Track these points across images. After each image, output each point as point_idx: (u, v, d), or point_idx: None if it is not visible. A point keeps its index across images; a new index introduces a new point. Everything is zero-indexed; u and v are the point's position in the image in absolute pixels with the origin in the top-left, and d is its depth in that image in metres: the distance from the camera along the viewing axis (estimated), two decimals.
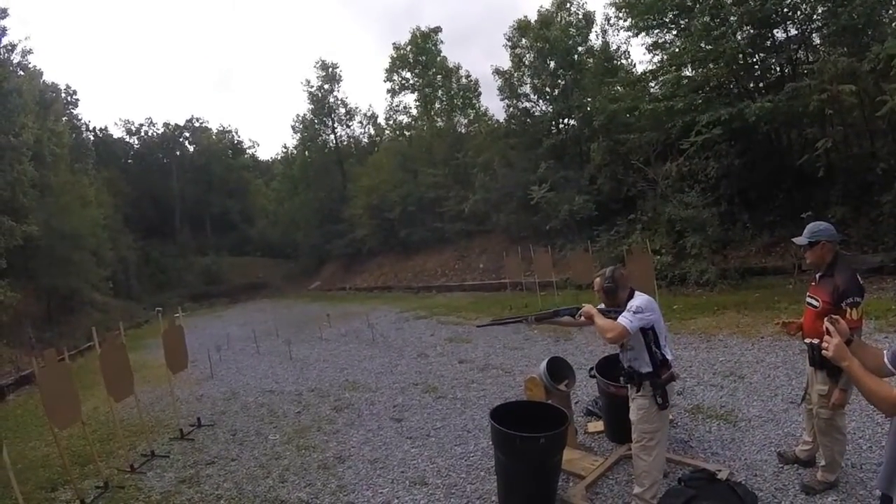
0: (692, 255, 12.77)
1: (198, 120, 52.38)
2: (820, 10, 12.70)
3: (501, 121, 25.25)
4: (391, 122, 36.15)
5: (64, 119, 32.09)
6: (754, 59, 13.97)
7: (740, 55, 13.61)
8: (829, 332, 2.29)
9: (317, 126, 40.69)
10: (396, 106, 34.91)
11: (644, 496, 3.80)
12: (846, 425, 4.10)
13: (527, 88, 22.39)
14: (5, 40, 21.54)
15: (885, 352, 2.40)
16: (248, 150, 58.95)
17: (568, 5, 21.58)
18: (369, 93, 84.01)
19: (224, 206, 49.26)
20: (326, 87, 40.23)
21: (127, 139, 50.31)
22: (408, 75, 33.30)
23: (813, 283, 3.93)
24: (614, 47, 20.74)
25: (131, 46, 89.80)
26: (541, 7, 22.04)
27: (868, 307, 8.16)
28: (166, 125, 50.79)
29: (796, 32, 13.28)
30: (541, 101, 22.12)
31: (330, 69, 39.93)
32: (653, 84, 16.54)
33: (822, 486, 3.86)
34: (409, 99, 34.83)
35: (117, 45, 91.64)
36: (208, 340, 14.55)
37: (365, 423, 6.93)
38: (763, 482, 4.12)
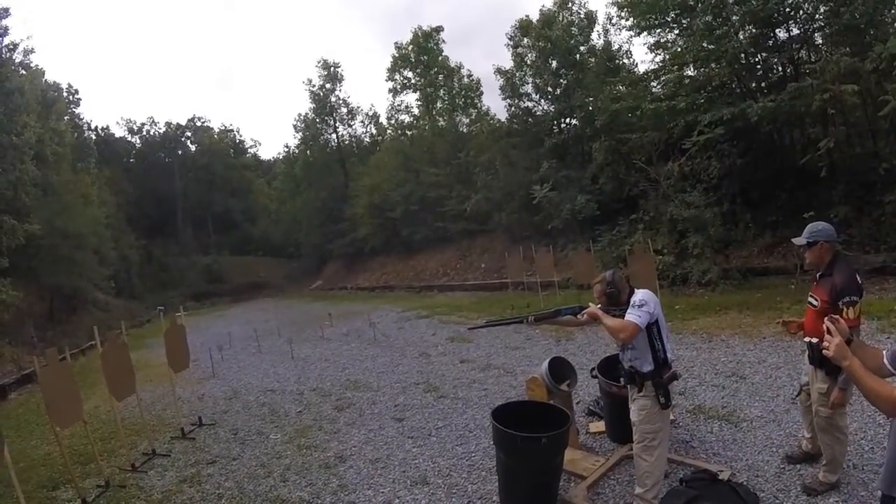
0: (694, 255, 12.74)
1: (200, 119, 52.56)
2: (822, 10, 12.64)
3: (503, 120, 25.21)
4: (393, 122, 36.27)
5: (66, 118, 32.13)
6: (756, 59, 13.92)
7: (742, 55, 13.56)
8: (829, 332, 2.28)
9: (319, 125, 40.75)
10: (398, 105, 35.01)
11: (646, 496, 3.79)
12: (847, 425, 4.09)
13: (528, 88, 22.36)
14: (7, 40, 21.53)
15: (884, 352, 2.39)
16: (250, 150, 59.19)
17: (570, 5, 21.53)
18: (371, 92, 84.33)
19: (226, 206, 49.32)
20: (328, 86, 40.35)
21: (129, 138, 50.49)
22: (409, 75, 33.36)
23: (814, 283, 3.96)
24: (616, 47, 20.75)
25: (133, 45, 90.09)
26: (543, 6, 21.99)
27: (870, 307, 8.18)
28: (168, 124, 50.96)
29: (798, 32, 13.22)
30: (542, 100, 22.08)
31: (332, 68, 40.03)
32: (655, 83, 16.51)
33: (824, 486, 3.85)
34: (411, 98, 34.87)
35: (119, 44, 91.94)
36: (210, 340, 14.56)
37: (366, 423, 6.93)
38: (765, 483, 4.11)
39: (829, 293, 3.68)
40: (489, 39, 68.43)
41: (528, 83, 22.33)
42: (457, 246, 26.42)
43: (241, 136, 58.06)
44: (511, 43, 22.88)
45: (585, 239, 16.37)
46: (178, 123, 51.21)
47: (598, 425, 5.63)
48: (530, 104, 22.58)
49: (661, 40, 15.60)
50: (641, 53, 66.64)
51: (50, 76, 31.86)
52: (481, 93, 31.82)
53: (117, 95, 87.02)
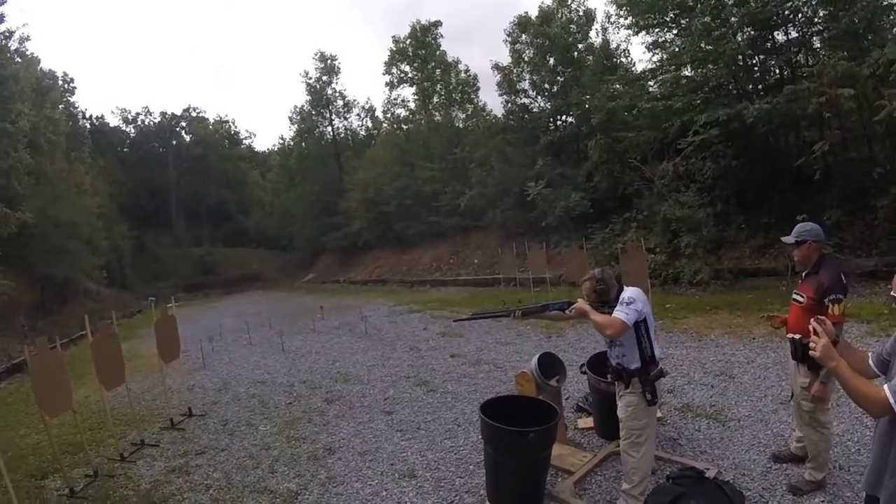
0: (686, 254, 12.80)
1: (195, 110, 52.08)
2: (821, 14, 12.66)
3: (499, 116, 25.23)
4: (389, 116, 36.04)
5: (61, 107, 31.81)
6: (754, 61, 13.94)
7: (740, 56, 13.58)
8: (816, 333, 2.29)
9: (314, 118, 40.55)
10: (395, 99, 34.82)
11: (632, 492, 3.82)
12: (831, 421, 4.14)
13: (525, 84, 22.39)
14: (3, 27, 21.45)
15: (869, 354, 2.44)
16: (244, 141, 58.70)
17: (569, 2, 21.57)
18: (367, 86, 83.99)
19: (220, 197, 49.03)
20: (325, 78, 40.12)
21: (123, 128, 50.03)
22: (407, 69, 33.18)
23: (800, 281, 4.05)
24: (614, 45, 20.79)
25: (130, 35, 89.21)
26: (542, 3, 22.00)
27: (860, 311, 8.24)
28: (163, 114, 50.51)
29: (797, 35, 13.24)
30: (539, 97, 22.13)
31: (329, 61, 39.82)
32: (652, 83, 16.51)
33: (810, 486, 3.90)
34: (408, 92, 34.72)
35: (116, 34, 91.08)
36: (201, 331, 14.52)
37: (356, 416, 6.94)
38: (751, 482, 4.15)
39: (815, 290, 3.77)
40: (488, 36, 68.39)
41: (525, 80, 22.37)
42: (450, 241, 26.39)
43: (236, 127, 57.63)
44: (509, 39, 22.91)
45: (578, 237, 16.38)
46: (173, 113, 50.86)
47: (587, 421, 5.66)
48: (527, 101, 22.63)
49: (660, 40, 15.61)
50: (639, 53, 66.72)
51: (45, 64, 31.58)
52: (478, 88, 31.70)
53: (113, 84, 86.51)
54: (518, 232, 20.25)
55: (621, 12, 16.59)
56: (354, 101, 42.15)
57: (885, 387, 2.12)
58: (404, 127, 34.24)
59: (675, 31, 15.21)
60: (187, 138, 51.39)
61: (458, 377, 8.18)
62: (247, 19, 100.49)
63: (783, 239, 4.10)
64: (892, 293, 2.29)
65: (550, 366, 5.09)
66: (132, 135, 50.29)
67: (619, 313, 3.57)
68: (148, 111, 51.12)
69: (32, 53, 27.47)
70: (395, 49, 33.10)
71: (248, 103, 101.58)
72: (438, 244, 27.06)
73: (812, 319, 2.35)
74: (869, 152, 11.96)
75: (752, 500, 3.89)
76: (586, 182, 18.13)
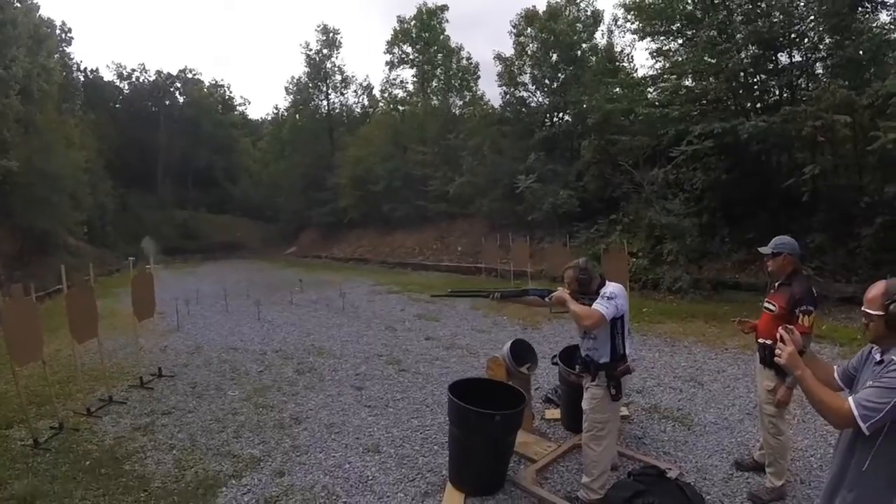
0: (668, 261, 12.93)
1: (191, 71, 51.06)
2: (827, 41, 12.72)
3: (497, 107, 25.17)
4: (386, 95, 35.83)
5: (56, 56, 31.12)
6: (755, 80, 14.00)
7: (742, 73, 13.65)
8: (783, 340, 2.30)
9: (311, 90, 40.17)
10: (393, 79, 34.64)
11: (592, 486, 3.87)
12: (788, 430, 4.24)
13: (526, 78, 22.37)
14: None
15: (835, 367, 2.46)
16: (238, 108, 57.91)
17: (577, 1, 21.51)
18: (367, 63, 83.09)
19: (209, 162, 48.32)
20: (325, 51, 39.73)
21: (117, 83, 48.96)
22: (409, 50, 32.98)
23: (772, 291, 4.16)
24: (618, 48, 20.87)
25: None
26: None
27: (835, 333, 8.40)
28: (158, 73, 49.48)
29: (800, 59, 13.31)
30: (538, 92, 22.14)
31: (331, 34, 39.43)
32: (651, 89, 16.57)
33: (770, 495, 3.97)
34: (407, 74, 34.51)
35: None
36: (178, 294, 14.41)
37: (325, 388, 6.96)
38: (711, 486, 4.21)
39: (787, 301, 3.89)
40: (494, 26, 67.60)
41: (526, 73, 22.36)
42: (436, 227, 26.38)
43: (231, 92, 56.80)
44: (514, 31, 22.83)
45: (563, 233, 16.49)
46: (168, 73, 49.82)
47: (555, 413, 5.72)
48: (526, 94, 22.64)
49: (664, 48, 15.62)
50: (642, 58, 66.76)
51: (44, 12, 30.81)
52: (478, 77, 31.64)
53: (110, 38, 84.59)
54: (504, 223, 20.28)
55: (629, 16, 16.57)
56: (353, 77, 41.80)
57: (850, 399, 2.13)
58: (400, 108, 34.11)
59: (680, 41, 15.24)
60: (181, 99, 50.48)
61: (431, 359, 8.24)
62: None
63: (761, 249, 4.21)
64: (863, 308, 2.28)
65: (522, 353, 5.12)
66: (126, 91, 49.27)
67: (599, 306, 3.61)
68: (143, 68, 50.32)
69: (32, 0, 26.88)
70: (398, 29, 32.90)
71: (246, 70, 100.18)
72: (424, 228, 27.05)
73: (780, 327, 2.37)
74: (858, 181, 12.01)
75: None
76: (576, 181, 18.19)
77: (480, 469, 4.16)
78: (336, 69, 40.40)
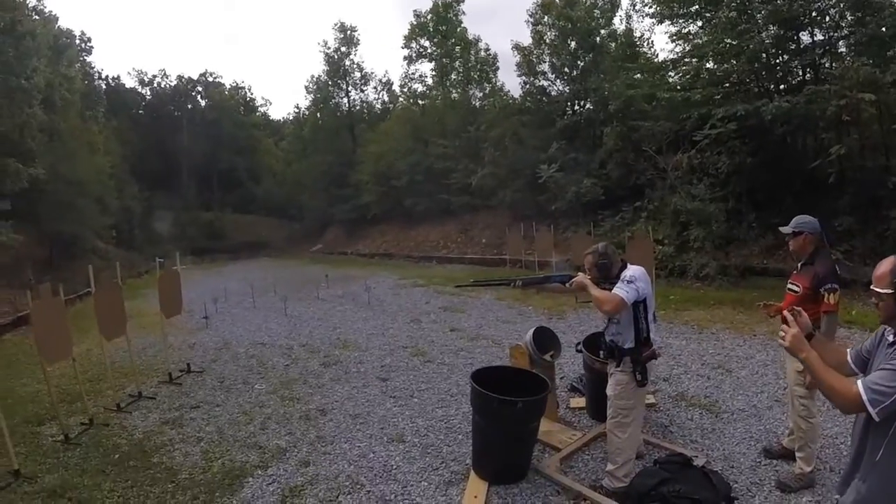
0: (694, 248, 12.74)
1: (211, 74, 51.75)
2: (849, 17, 12.40)
3: (517, 97, 24.98)
4: (406, 90, 35.80)
5: (77, 65, 31.71)
6: (777, 60, 13.71)
7: (763, 54, 13.37)
8: (786, 322, 2.22)
9: (331, 88, 40.35)
10: (412, 74, 34.60)
11: (616, 473, 3.83)
12: (819, 414, 4.14)
13: (545, 67, 22.13)
14: None
15: (848, 351, 2.35)
16: (260, 108, 58.42)
17: None
18: (385, 59, 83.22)
19: (232, 163, 48.87)
20: (343, 49, 39.89)
21: (139, 89, 49.74)
22: (426, 44, 32.88)
23: (794, 272, 4.12)
24: (637, 34, 20.61)
25: None
26: None
27: (865, 319, 8.22)
28: (179, 78, 50.20)
29: (822, 38, 13.00)
30: (558, 80, 21.89)
31: (348, 32, 39.56)
32: (672, 73, 16.33)
33: (798, 482, 3.88)
34: (426, 68, 34.49)
35: None
36: (206, 293, 14.64)
37: (351, 380, 7.01)
38: (739, 474, 4.13)
39: (810, 280, 3.83)
40: (511, 16, 67.12)
41: (545, 62, 22.11)
42: (459, 219, 26.36)
43: (251, 94, 57.36)
44: (531, 20, 22.59)
45: (587, 223, 16.33)
46: (189, 77, 50.53)
47: (580, 401, 5.67)
48: (545, 83, 22.40)
49: (683, 30, 15.37)
50: (662, 42, 65.95)
51: (63, 23, 31.43)
52: (497, 68, 31.42)
53: (130, 46, 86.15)
54: (527, 214, 20.15)
55: (646, 0, 16.33)
56: (372, 73, 41.88)
57: (859, 382, 2.01)
58: (420, 102, 34.05)
59: (699, 23, 14.97)
60: (202, 103, 51.13)
61: (456, 350, 8.24)
62: None
63: (781, 229, 4.16)
64: (871, 287, 2.17)
65: (546, 341, 5.09)
66: (147, 97, 50.08)
67: (620, 290, 3.55)
68: (164, 74, 50.86)
69: (51, 11, 27.50)
70: (415, 23, 32.81)
71: (266, 71, 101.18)
72: (447, 221, 27.05)
73: (785, 311, 2.29)
74: (885, 162, 11.73)
75: (739, 493, 3.86)
76: (599, 169, 17.99)
77: (503, 457, 4.14)
78: (355, 66, 40.58)
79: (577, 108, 21.55)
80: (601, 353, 4.15)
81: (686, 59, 15.39)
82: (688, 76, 15.08)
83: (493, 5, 64.97)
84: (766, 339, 7.70)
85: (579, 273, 3.92)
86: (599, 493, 3.89)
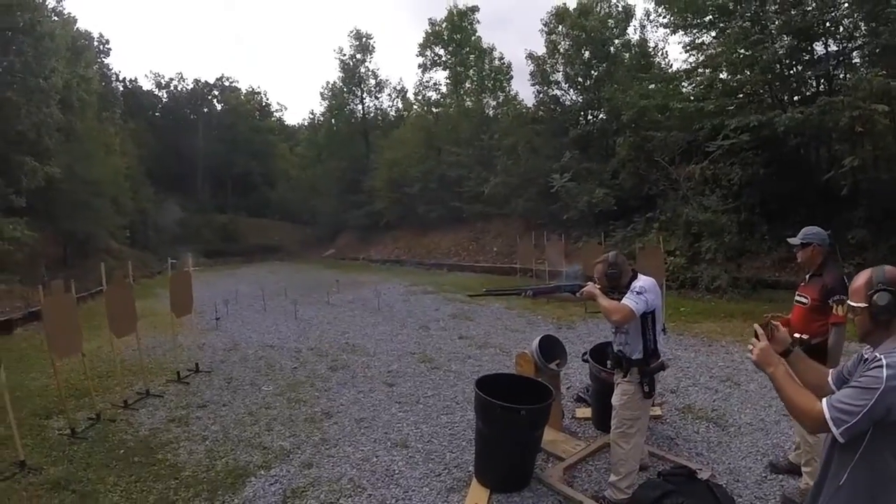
0: (706, 259, 12.67)
1: (228, 79, 52.37)
2: (863, 28, 12.34)
3: (530, 106, 25.01)
4: (420, 98, 36.05)
5: (94, 67, 32.10)
6: (791, 71, 13.66)
7: (777, 65, 13.34)
8: (756, 336, 2.15)
9: (346, 95, 40.71)
10: (427, 82, 34.79)
11: (619, 485, 3.80)
12: None
13: (559, 76, 22.15)
14: None
15: (830, 371, 2.20)
16: (275, 114, 58.92)
17: None
18: (400, 66, 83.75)
19: (246, 167, 49.29)
20: (359, 56, 40.28)
21: (156, 92, 50.40)
22: (441, 52, 33.12)
23: (802, 283, 4.11)
24: (651, 44, 20.63)
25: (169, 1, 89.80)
26: None
27: None
28: (196, 81, 50.84)
29: (836, 48, 12.94)
30: (571, 90, 21.89)
31: (364, 39, 39.95)
32: (686, 83, 16.30)
33: (803, 497, 3.84)
34: (440, 76, 34.65)
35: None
36: (218, 294, 14.74)
37: (357, 384, 7.02)
38: (744, 489, 4.09)
39: (819, 292, 3.82)
40: (525, 25, 67.38)
41: (558, 71, 22.13)
42: (471, 227, 26.40)
43: (267, 99, 57.90)
44: (545, 29, 22.63)
45: (599, 232, 16.28)
46: (206, 81, 51.16)
47: (585, 411, 5.64)
48: (559, 93, 22.41)
49: (697, 41, 15.38)
50: (676, 52, 65.76)
51: (82, 25, 31.89)
52: (511, 77, 31.56)
53: (147, 48, 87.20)
54: (539, 223, 20.14)
55: (660, 10, 16.34)
56: (387, 80, 42.14)
57: (824, 400, 1.87)
58: (434, 110, 34.20)
59: (713, 34, 14.98)
60: (218, 107, 51.69)
61: (464, 358, 8.24)
62: None
63: (789, 240, 4.18)
64: (848, 302, 2.04)
65: (552, 349, 5.06)
66: (164, 100, 50.70)
67: (629, 301, 3.54)
68: (181, 77, 51.67)
69: (69, 13, 27.85)
70: (430, 31, 33.06)
71: (282, 77, 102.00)
72: (459, 229, 27.09)
73: (755, 325, 2.22)
74: None
75: None
76: (612, 179, 17.95)
77: (506, 465, 4.13)
78: (370, 73, 40.97)
79: (590, 117, 21.53)
80: (608, 362, 4.13)
81: (699, 70, 15.40)
82: (701, 86, 15.07)
83: (507, 14, 65.19)
84: None
85: (589, 283, 3.90)
86: None
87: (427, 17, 39.25)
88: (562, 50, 21.83)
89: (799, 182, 13.09)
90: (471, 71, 31.99)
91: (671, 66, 19.59)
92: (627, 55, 20.46)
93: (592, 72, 20.62)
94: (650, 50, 20.55)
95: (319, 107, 52.03)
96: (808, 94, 13.55)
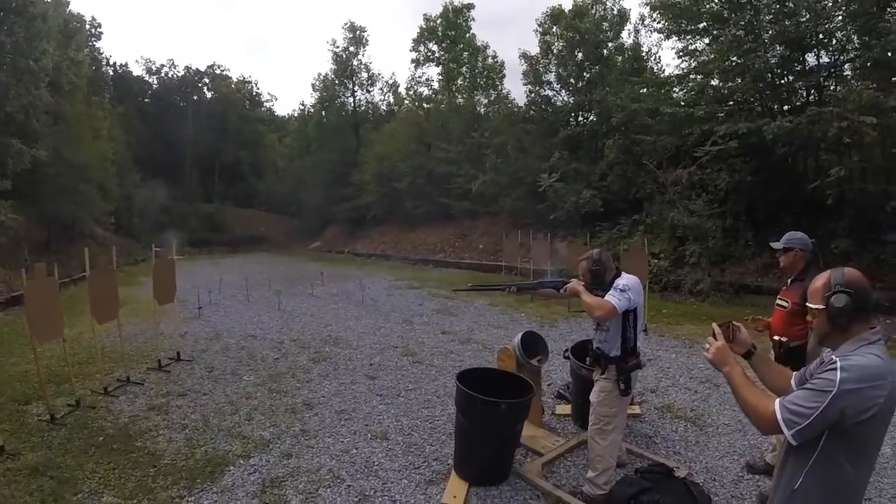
0: (690, 263, 12.79)
1: (219, 67, 51.75)
2: (855, 41, 12.46)
3: (521, 106, 25.03)
4: (411, 93, 35.89)
5: (85, 50, 31.62)
6: (782, 81, 13.77)
7: (768, 74, 13.44)
8: (714, 335, 2.14)
9: (337, 87, 40.48)
10: (419, 77, 34.69)
11: (596, 480, 3.84)
12: None
13: (551, 77, 22.16)
14: None
15: (794, 374, 2.17)
16: (265, 104, 58.46)
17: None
18: (392, 60, 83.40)
19: (235, 157, 48.85)
20: (352, 49, 40.04)
21: (146, 78, 49.78)
22: (434, 48, 32.96)
23: (784, 287, 4.19)
24: (645, 48, 20.69)
25: None
26: None
27: None
28: (187, 68, 50.21)
29: (828, 60, 13.07)
30: (563, 91, 21.89)
31: (357, 32, 39.71)
32: (677, 89, 16.38)
33: None
34: (433, 72, 34.55)
35: None
36: (201, 283, 14.65)
37: (339, 377, 7.03)
38: (720, 488, 4.14)
39: (800, 296, 3.83)
40: (520, 25, 67.41)
41: (551, 72, 22.12)
42: (458, 224, 26.40)
43: (258, 89, 57.48)
44: (540, 30, 22.63)
45: (585, 233, 16.35)
46: (196, 69, 50.50)
47: (565, 408, 5.69)
48: (550, 93, 22.41)
49: (690, 47, 15.45)
50: (668, 58, 66.08)
51: (74, 7, 31.40)
52: (503, 76, 31.50)
53: (139, 34, 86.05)
54: (526, 222, 20.21)
55: (654, 15, 16.40)
56: (379, 74, 41.98)
57: (777, 401, 1.85)
58: (425, 106, 34.09)
59: (706, 41, 15.07)
60: (208, 95, 51.15)
61: (446, 353, 8.26)
62: None
63: (772, 244, 4.24)
64: (807, 304, 2.04)
65: (533, 345, 5.10)
66: (154, 86, 50.08)
67: (612, 298, 3.57)
68: (172, 64, 50.85)
69: None
70: (424, 27, 32.88)
71: (273, 67, 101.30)
72: (446, 226, 27.08)
73: (714, 324, 2.21)
74: (886, 186, 11.76)
75: None
76: (599, 181, 18.02)
77: (485, 458, 4.16)
78: (362, 67, 40.75)
79: (580, 119, 21.56)
80: (587, 359, 4.17)
81: (691, 76, 15.47)
82: (692, 92, 15.13)
83: (507, 16, 65.29)
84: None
85: (573, 279, 3.93)
86: (579, 500, 3.90)
87: (422, 12, 39.28)
88: (555, 50, 21.83)
89: (785, 190, 13.22)
90: (463, 68, 31.90)
91: (663, 71, 19.70)
92: (620, 58, 20.50)
93: (585, 73, 20.65)
94: (643, 54, 20.61)
95: (310, 98, 51.78)
96: (797, 103, 13.66)
